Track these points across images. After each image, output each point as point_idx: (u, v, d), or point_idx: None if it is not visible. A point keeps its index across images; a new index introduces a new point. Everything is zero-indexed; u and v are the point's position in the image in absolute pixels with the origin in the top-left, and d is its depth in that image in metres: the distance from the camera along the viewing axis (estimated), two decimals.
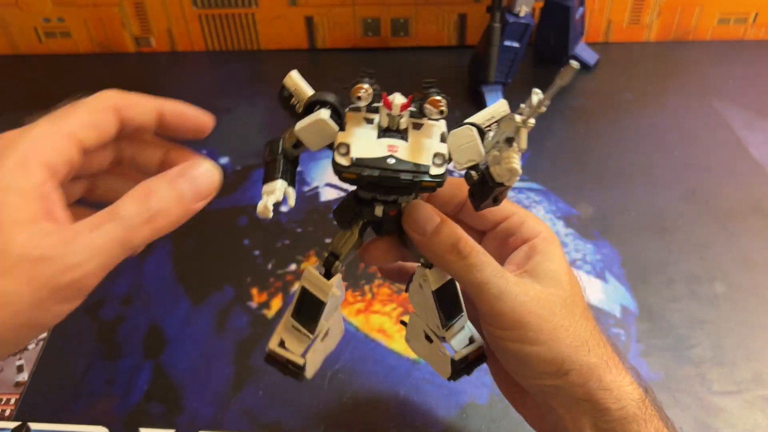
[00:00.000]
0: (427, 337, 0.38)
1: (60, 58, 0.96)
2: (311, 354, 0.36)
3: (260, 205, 0.30)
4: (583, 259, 0.59)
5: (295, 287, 0.56)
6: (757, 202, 0.65)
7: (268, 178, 0.32)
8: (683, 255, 0.59)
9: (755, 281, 0.56)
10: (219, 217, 0.65)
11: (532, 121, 0.29)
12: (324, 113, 0.30)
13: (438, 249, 0.32)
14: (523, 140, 0.29)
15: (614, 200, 0.66)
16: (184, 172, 0.30)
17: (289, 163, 0.32)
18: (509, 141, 0.30)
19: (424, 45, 0.93)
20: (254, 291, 0.57)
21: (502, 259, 0.35)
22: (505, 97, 0.77)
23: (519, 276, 0.34)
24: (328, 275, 0.35)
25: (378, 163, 0.29)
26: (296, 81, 0.32)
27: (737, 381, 0.48)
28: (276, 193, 0.31)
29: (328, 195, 0.66)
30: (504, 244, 0.36)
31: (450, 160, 0.31)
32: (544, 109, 0.28)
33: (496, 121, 0.32)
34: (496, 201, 0.32)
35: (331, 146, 0.31)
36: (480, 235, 0.38)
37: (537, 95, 0.28)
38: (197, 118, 0.34)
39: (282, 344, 0.35)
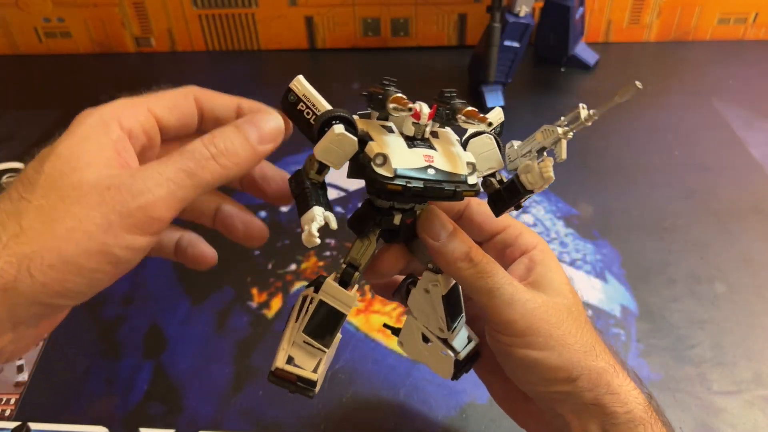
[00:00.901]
0: (424, 338, 0.38)
1: (60, 58, 0.96)
2: (321, 368, 0.35)
3: (305, 236, 0.29)
4: (583, 259, 0.59)
5: (296, 288, 0.57)
6: (757, 202, 0.65)
7: (303, 209, 0.31)
8: (683, 255, 0.59)
9: (755, 281, 0.56)
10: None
11: (571, 134, 0.30)
12: (338, 128, 0.29)
13: (451, 255, 0.33)
14: (563, 150, 0.30)
15: (614, 200, 0.66)
16: (249, 119, 0.31)
17: (319, 189, 0.32)
18: (541, 151, 0.31)
19: (424, 45, 0.93)
20: (254, 291, 0.57)
21: None
22: (505, 97, 0.77)
23: (525, 285, 0.34)
24: (344, 286, 0.33)
25: (420, 174, 0.29)
26: (304, 86, 0.31)
27: (737, 381, 0.48)
28: (317, 219, 0.30)
29: (329, 194, 0.65)
30: (501, 254, 0.37)
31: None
32: (590, 123, 0.29)
33: (493, 128, 0.33)
34: (518, 207, 0.33)
35: (352, 159, 0.30)
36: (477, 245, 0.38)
37: (584, 109, 0.29)
38: (270, 113, 0.34)
39: (290, 361, 0.34)
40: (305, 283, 0.57)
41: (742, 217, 0.63)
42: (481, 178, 0.33)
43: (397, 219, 0.33)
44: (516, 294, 0.32)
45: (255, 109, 0.33)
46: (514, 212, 0.34)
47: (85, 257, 0.26)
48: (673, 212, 0.64)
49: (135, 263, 0.28)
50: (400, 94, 0.28)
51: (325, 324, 0.34)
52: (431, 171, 0.29)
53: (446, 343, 0.37)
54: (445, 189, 0.29)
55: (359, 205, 0.34)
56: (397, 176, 0.29)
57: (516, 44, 0.76)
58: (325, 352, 0.35)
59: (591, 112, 0.28)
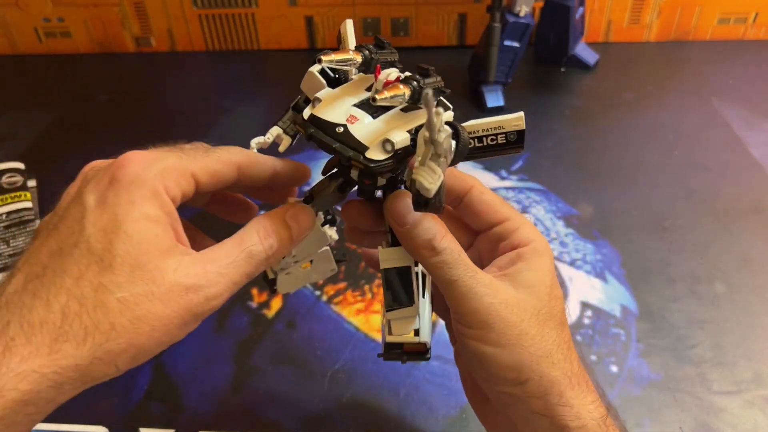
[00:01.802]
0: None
1: (60, 57, 0.96)
2: (285, 275, 0.38)
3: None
4: (583, 259, 0.59)
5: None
6: (757, 202, 0.65)
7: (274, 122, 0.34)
8: (683, 255, 0.59)
9: (755, 281, 0.56)
10: (219, 217, 0.65)
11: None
12: (314, 67, 0.32)
13: (413, 242, 0.32)
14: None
15: (614, 200, 0.66)
16: (294, 216, 0.33)
17: (296, 115, 0.34)
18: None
19: (424, 45, 0.93)
20: (254, 291, 0.57)
21: (490, 262, 0.35)
22: (505, 97, 0.77)
23: (498, 278, 0.33)
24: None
25: (325, 126, 0.31)
26: (348, 30, 0.35)
27: (737, 381, 0.48)
28: (267, 134, 0.33)
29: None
30: (495, 247, 0.36)
31: (410, 152, 0.30)
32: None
33: (483, 136, 0.32)
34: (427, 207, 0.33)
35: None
36: (474, 234, 0.38)
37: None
38: (300, 170, 0.37)
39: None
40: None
41: (742, 217, 0.63)
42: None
43: (354, 174, 0.34)
44: (475, 287, 0.32)
45: (290, 170, 0.36)
46: None
47: (158, 347, 0.28)
48: (673, 212, 0.64)
49: None
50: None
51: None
52: (339, 129, 0.30)
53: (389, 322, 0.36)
54: (333, 147, 0.30)
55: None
56: (307, 120, 0.31)
57: (516, 44, 0.76)
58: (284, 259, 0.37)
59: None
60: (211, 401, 0.48)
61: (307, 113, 0.31)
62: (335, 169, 0.35)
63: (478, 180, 0.36)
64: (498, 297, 0.32)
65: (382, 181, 0.33)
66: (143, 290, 0.27)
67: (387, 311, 0.35)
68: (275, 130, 0.35)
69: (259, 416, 0.47)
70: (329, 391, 0.48)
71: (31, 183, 0.68)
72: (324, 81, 0.32)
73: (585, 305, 0.55)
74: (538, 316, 0.32)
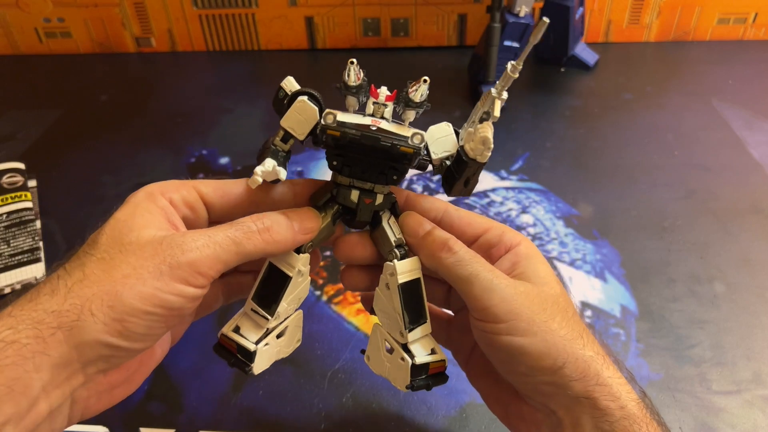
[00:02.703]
0: (389, 351, 0.37)
1: (60, 58, 0.97)
2: (264, 347, 0.35)
3: (250, 179, 0.33)
4: (583, 259, 0.59)
5: None
6: (757, 202, 0.65)
7: (259, 162, 0.34)
8: (683, 255, 0.59)
9: (755, 281, 0.56)
10: None
11: (505, 93, 0.31)
12: (302, 97, 0.33)
13: (430, 247, 0.34)
14: (496, 108, 0.31)
15: (614, 200, 0.66)
16: (298, 211, 0.34)
17: (280, 153, 0.34)
18: (483, 119, 0.32)
19: (424, 45, 0.93)
20: None
21: None
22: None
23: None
24: (297, 252, 0.35)
25: (361, 127, 0.32)
26: (293, 84, 0.34)
27: (737, 381, 0.48)
28: (266, 165, 0.33)
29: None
30: (487, 255, 0.36)
31: (426, 150, 0.34)
32: (516, 75, 0.31)
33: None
34: (467, 184, 0.34)
35: (315, 136, 0.34)
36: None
37: (510, 64, 0.31)
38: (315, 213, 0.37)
39: (236, 330, 0.35)
40: None
41: (742, 217, 0.63)
42: (439, 162, 0.35)
43: (354, 196, 0.35)
44: (495, 279, 0.32)
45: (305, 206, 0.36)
46: (498, 201, 0.35)
47: (139, 300, 0.28)
48: (673, 212, 0.64)
49: (186, 312, 0.31)
50: (351, 65, 0.32)
51: (270, 288, 0.35)
52: (373, 127, 0.32)
53: (405, 348, 0.35)
54: (381, 140, 0.32)
55: None
56: (337, 124, 0.32)
57: (516, 44, 0.76)
58: (267, 319, 0.35)
59: (514, 62, 0.31)
60: (211, 401, 0.48)
61: (331, 121, 0.32)
62: (328, 197, 0.36)
63: (448, 202, 0.38)
64: (518, 288, 0.32)
65: (379, 199, 0.35)
66: (119, 249, 0.29)
67: (410, 331, 0.35)
68: (270, 162, 0.33)
69: (259, 416, 0.47)
70: (329, 391, 0.48)
71: (32, 183, 0.68)
72: (316, 107, 0.33)
73: (585, 305, 0.55)
74: (557, 303, 0.33)
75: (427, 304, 0.36)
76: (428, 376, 0.36)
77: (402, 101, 0.33)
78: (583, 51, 0.87)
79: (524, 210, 0.64)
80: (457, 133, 0.34)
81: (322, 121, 0.32)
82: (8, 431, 0.26)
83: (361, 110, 0.34)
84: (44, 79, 0.93)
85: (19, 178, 0.68)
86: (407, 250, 0.36)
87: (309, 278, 0.36)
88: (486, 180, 0.68)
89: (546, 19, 0.28)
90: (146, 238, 0.30)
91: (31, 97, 0.88)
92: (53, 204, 0.66)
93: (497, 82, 0.32)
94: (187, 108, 0.83)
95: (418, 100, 0.33)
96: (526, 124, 0.76)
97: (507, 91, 0.32)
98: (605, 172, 0.70)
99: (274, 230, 0.32)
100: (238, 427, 0.47)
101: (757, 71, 0.86)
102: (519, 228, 0.62)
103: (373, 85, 0.33)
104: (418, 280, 0.36)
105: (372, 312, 0.37)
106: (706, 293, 0.55)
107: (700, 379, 0.49)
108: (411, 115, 0.33)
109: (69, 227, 0.64)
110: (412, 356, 0.35)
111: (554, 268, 0.58)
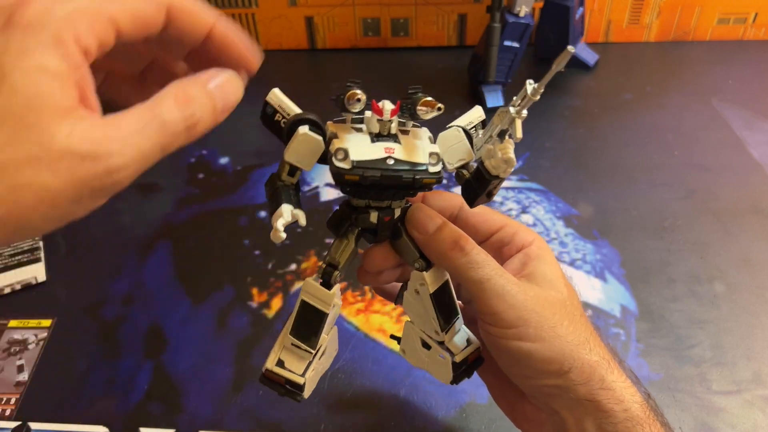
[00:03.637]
0: (424, 345, 0.38)
1: None
2: (309, 373, 0.35)
3: (272, 232, 0.30)
4: (583, 259, 0.59)
5: (296, 287, 0.57)
6: (757, 202, 0.65)
7: (273, 208, 0.32)
8: (683, 255, 0.59)
9: (755, 281, 0.56)
10: (219, 217, 0.65)
11: (524, 112, 0.30)
12: (303, 128, 0.31)
13: (440, 246, 0.33)
14: (518, 130, 0.30)
15: (614, 200, 0.66)
16: (222, 87, 0.28)
17: (291, 189, 0.33)
18: (501, 135, 0.31)
19: (424, 45, 0.93)
20: (254, 291, 0.57)
21: None
22: (505, 97, 0.77)
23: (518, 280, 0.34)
24: (326, 286, 0.34)
25: (378, 164, 0.30)
26: (279, 97, 0.32)
27: (737, 381, 0.48)
28: (284, 216, 0.31)
29: (329, 195, 0.66)
30: (499, 253, 0.37)
31: (442, 160, 0.32)
32: (537, 97, 0.29)
33: (474, 126, 0.34)
34: (490, 195, 0.33)
35: (325, 160, 0.31)
36: None
37: (531, 84, 0.29)
38: (245, 52, 0.31)
39: (281, 364, 0.35)
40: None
41: (742, 217, 0.63)
42: (455, 171, 0.34)
43: (374, 217, 0.33)
44: (506, 285, 0.32)
45: (232, 42, 0.30)
46: (498, 201, 0.35)
47: (45, 223, 0.24)
48: (673, 212, 0.64)
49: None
50: (354, 90, 0.29)
51: (308, 324, 0.34)
52: (390, 161, 0.30)
53: (443, 345, 0.37)
54: (403, 177, 0.30)
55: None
56: (354, 167, 0.30)
57: (516, 44, 0.76)
58: (311, 353, 0.35)
59: (536, 85, 0.29)
60: (211, 401, 0.48)
61: (346, 163, 0.30)
62: (347, 223, 0.34)
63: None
64: (528, 293, 0.32)
65: (397, 213, 0.34)
66: (27, 155, 0.22)
67: (446, 332, 0.36)
68: (287, 207, 0.31)
69: (259, 416, 0.47)
70: (329, 391, 0.48)
71: None
72: (320, 137, 0.31)
73: (585, 305, 0.55)
74: (566, 307, 0.33)
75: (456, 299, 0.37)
76: (467, 367, 0.37)
77: (407, 113, 0.31)
78: (583, 51, 0.87)
79: (524, 210, 0.64)
80: (468, 136, 0.33)
81: (335, 162, 0.30)
82: None
83: (359, 121, 0.32)
84: None
85: None
86: None
87: (341, 298, 0.36)
88: None
89: (571, 49, 0.27)
90: (62, 144, 0.23)
91: None
92: None
93: (515, 98, 0.30)
94: None
95: (424, 119, 0.31)
96: (526, 124, 0.76)
97: (527, 110, 0.30)
98: (605, 172, 0.70)
99: (200, 122, 0.27)
100: (238, 427, 0.47)
101: (757, 71, 0.86)
102: None
103: (374, 101, 0.31)
104: (446, 282, 0.36)
105: (399, 303, 0.38)
106: (706, 293, 0.55)
107: (700, 379, 0.49)
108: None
109: (69, 227, 0.63)
110: (451, 353, 0.36)
111: None
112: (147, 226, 0.64)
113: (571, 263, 0.59)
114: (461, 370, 0.37)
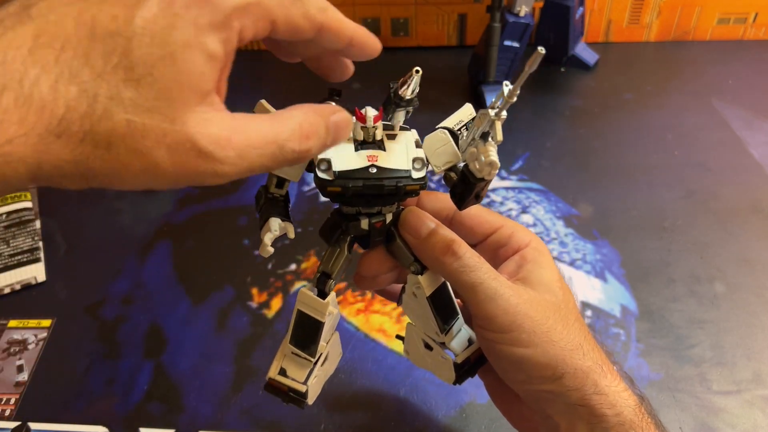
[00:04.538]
0: (426, 346, 0.38)
1: None
2: (312, 380, 0.36)
3: (261, 248, 0.31)
4: (583, 259, 0.59)
5: (296, 287, 0.57)
6: (757, 202, 0.65)
7: (262, 222, 0.32)
8: (683, 255, 0.59)
9: (755, 281, 0.56)
10: (219, 217, 0.65)
11: (504, 113, 0.30)
12: None
13: (433, 250, 0.33)
14: (498, 132, 0.30)
15: (614, 200, 0.66)
16: (337, 122, 0.28)
17: (279, 202, 0.33)
18: (484, 136, 0.31)
19: (424, 45, 0.93)
20: (254, 291, 0.57)
21: None
22: None
23: (513, 282, 0.34)
24: (322, 295, 0.34)
25: (360, 173, 0.30)
26: (267, 109, 0.32)
27: (737, 381, 0.48)
28: (272, 229, 0.31)
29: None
30: (495, 255, 0.36)
31: (428, 164, 0.32)
32: (514, 99, 0.29)
33: (464, 125, 0.33)
34: (478, 198, 0.33)
35: (312, 168, 0.31)
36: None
37: (507, 86, 0.29)
38: (371, 43, 0.31)
39: (283, 372, 0.35)
40: (305, 283, 0.57)
41: (742, 217, 0.63)
42: (443, 173, 0.33)
43: (365, 224, 0.33)
44: (500, 289, 0.32)
45: (363, 41, 0.30)
46: (498, 201, 0.35)
47: (138, 187, 0.25)
48: (673, 212, 0.64)
49: None
50: (333, 104, 0.29)
51: (306, 333, 0.35)
52: (373, 170, 0.30)
53: (444, 346, 0.37)
54: (385, 186, 0.30)
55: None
56: (337, 178, 0.30)
57: (516, 44, 0.76)
58: (311, 361, 0.35)
59: (512, 87, 0.29)
60: (211, 401, 0.48)
61: (328, 174, 0.30)
62: (339, 231, 0.35)
63: None
64: (522, 297, 0.32)
65: (389, 218, 0.34)
66: (157, 126, 0.23)
67: (446, 333, 0.36)
68: (274, 221, 0.32)
69: (259, 416, 0.47)
70: (329, 391, 0.48)
71: None
72: None
73: (585, 305, 0.55)
74: (560, 311, 0.33)
75: (455, 299, 0.37)
76: (470, 366, 0.37)
77: (392, 103, 0.31)
78: (583, 51, 0.87)
79: (524, 210, 0.64)
80: (453, 136, 0.33)
81: (318, 172, 0.30)
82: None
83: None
84: None
85: None
86: None
87: (338, 305, 0.36)
88: None
89: (541, 50, 0.27)
90: (188, 132, 0.23)
91: None
92: (53, 204, 0.66)
93: (493, 100, 0.30)
94: None
95: (409, 96, 0.31)
96: (526, 124, 0.76)
97: (506, 111, 0.30)
98: (605, 172, 0.70)
99: (308, 156, 0.27)
100: (238, 427, 0.47)
101: (757, 71, 0.86)
102: None
103: (357, 108, 0.31)
104: (444, 283, 0.36)
105: (400, 304, 0.38)
106: (706, 293, 0.55)
107: (700, 379, 0.49)
108: (401, 116, 0.32)
109: (69, 227, 0.64)
110: (454, 354, 0.36)
111: None
112: (147, 226, 0.64)
113: (571, 263, 0.59)
114: (464, 370, 0.37)
